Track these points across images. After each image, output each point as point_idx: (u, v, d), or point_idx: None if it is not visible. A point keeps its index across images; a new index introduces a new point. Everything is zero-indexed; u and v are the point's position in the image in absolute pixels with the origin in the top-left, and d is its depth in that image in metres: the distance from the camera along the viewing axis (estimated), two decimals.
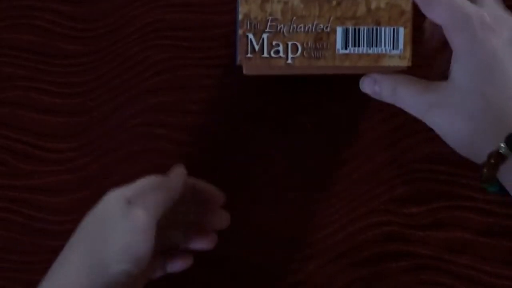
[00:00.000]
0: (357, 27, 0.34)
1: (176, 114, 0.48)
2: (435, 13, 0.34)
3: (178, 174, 0.42)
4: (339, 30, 0.34)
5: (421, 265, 0.46)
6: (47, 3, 0.50)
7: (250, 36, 0.34)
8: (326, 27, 0.34)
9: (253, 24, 0.34)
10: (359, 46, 0.34)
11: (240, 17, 0.34)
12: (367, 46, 0.34)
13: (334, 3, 0.34)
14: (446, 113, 0.35)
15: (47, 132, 0.49)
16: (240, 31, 0.34)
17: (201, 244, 0.44)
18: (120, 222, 0.38)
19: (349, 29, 0.34)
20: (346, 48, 0.34)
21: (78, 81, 0.49)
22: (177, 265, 0.44)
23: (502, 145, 0.33)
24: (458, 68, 0.35)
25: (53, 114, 0.49)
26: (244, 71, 0.37)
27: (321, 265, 0.47)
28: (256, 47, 0.34)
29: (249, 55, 0.34)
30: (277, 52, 0.35)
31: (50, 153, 0.49)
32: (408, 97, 0.36)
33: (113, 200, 0.41)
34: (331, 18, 0.34)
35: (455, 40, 0.34)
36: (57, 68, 0.50)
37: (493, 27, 0.34)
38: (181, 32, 0.49)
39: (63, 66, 0.50)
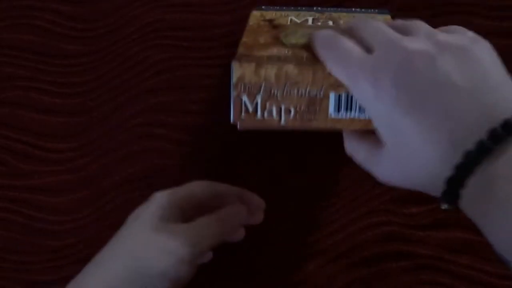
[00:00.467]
0: (350, 94, 0.34)
1: (176, 114, 0.48)
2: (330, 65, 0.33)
3: (236, 216, 0.42)
4: (331, 95, 0.34)
5: (421, 265, 0.46)
6: (47, 3, 0.50)
7: (244, 98, 0.34)
8: (320, 93, 0.34)
9: (247, 87, 0.34)
10: (351, 110, 0.34)
11: (234, 80, 0.34)
12: (359, 111, 0.34)
13: (328, 70, 0.34)
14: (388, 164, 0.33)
15: (47, 132, 0.49)
16: (234, 93, 0.34)
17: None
18: (163, 241, 0.38)
19: (341, 95, 0.34)
20: (338, 112, 0.35)
21: (78, 81, 0.49)
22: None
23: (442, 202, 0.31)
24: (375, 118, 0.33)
25: (53, 114, 0.49)
26: (238, 128, 0.38)
27: (321, 265, 0.47)
28: (250, 109, 0.35)
29: (243, 116, 0.35)
30: (271, 113, 0.35)
31: (50, 153, 0.49)
32: (358, 157, 0.36)
33: (160, 206, 0.40)
34: (324, 85, 0.34)
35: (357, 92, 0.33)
36: (57, 68, 0.50)
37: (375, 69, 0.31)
38: (181, 32, 0.49)
39: (63, 66, 0.50)
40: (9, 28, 0.51)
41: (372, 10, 0.44)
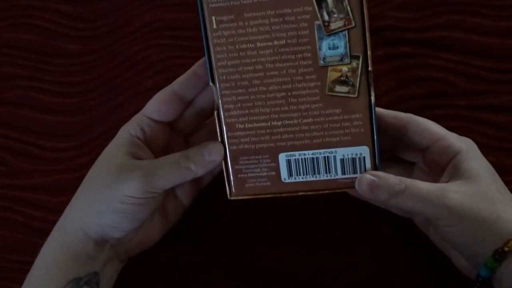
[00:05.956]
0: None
1: None
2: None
3: (206, 162, 0.39)
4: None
5: None
6: (47, 3, 0.51)
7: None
8: None
9: None
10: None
11: None
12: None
13: None
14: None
15: (47, 131, 0.49)
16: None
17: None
18: (119, 183, 0.38)
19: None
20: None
21: (78, 80, 0.49)
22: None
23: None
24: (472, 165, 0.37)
25: (53, 113, 0.49)
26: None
27: (322, 264, 0.47)
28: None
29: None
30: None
31: (50, 152, 0.49)
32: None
33: (122, 143, 0.40)
34: None
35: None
36: (57, 68, 0.50)
37: None
38: (181, 32, 0.49)
39: (63, 66, 0.50)
40: (9, 27, 0.51)
41: None
